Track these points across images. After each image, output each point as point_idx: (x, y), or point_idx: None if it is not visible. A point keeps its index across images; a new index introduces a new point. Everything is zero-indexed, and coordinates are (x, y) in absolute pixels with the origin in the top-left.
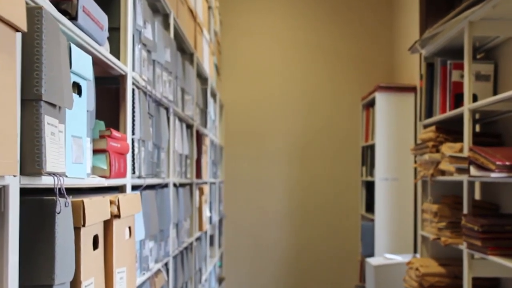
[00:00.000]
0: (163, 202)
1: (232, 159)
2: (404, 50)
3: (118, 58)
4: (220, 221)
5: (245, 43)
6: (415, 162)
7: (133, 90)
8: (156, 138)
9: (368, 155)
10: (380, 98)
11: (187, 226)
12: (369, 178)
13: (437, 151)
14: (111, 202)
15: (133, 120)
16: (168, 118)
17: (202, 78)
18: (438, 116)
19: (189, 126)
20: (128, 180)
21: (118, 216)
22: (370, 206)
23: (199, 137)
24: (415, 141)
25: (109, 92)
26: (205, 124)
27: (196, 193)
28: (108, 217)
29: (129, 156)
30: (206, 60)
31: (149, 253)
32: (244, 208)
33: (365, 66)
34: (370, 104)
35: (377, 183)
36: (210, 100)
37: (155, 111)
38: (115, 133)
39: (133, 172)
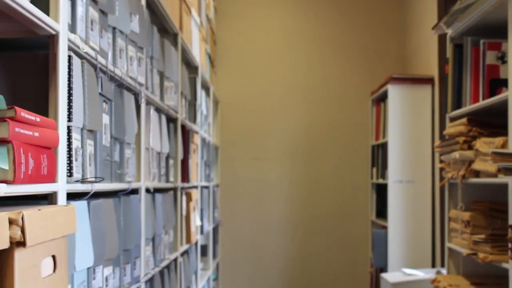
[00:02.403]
0: (128, 213)
1: (229, 160)
2: (418, 38)
3: (48, 12)
4: (215, 229)
5: (243, 33)
6: (440, 161)
7: (69, 58)
8: (117, 129)
9: (379, 155)
10: (393, 91)
11: (169, 239)
12: (380, 181)
13: (469, 147)
14: (11, 222)
15: (70, 100)
16: (139, 106)
17: (190, 66)
18: (469, 107)
19: (172, 120)
20: (60, 186)
21: (22, 243)
22: (381, 211)
23: (186, 134)
24: (433, 139)
25: (36, 61)
26: (194, 119)
27: (183, 199)
28: (6, 245)
29: (61, 152)
30: (196, 45)
31: (104, 283)
32: (243, 214)
33: (374, 57)
34: (381, 98)
35: (390, 186)
36: (201, 92)
37: (116, 95)
38: (25, 114)
39: (70, 175)
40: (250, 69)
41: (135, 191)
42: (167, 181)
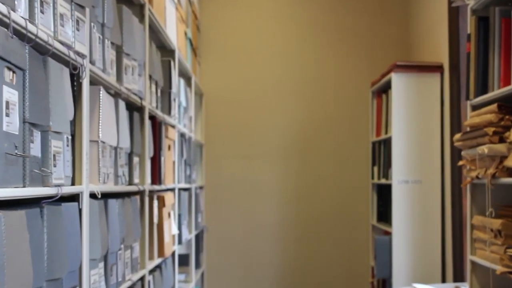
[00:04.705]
0: (57, 228)
1: (215, 159)
2: (425, 22)
3: None
4: (199, 236)
5: (230, 19)
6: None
7: None
8: (35, 111)
9: (381, 152)
10: (398, 80)
11: (133, 255)
12: (383, 181)
13: (501, 140)
14: None
15: None
16: (80, 84)
17: (166, 49)
18: (498, 91)
19: (137, 109)
20: None
21: None
22: (382, 214)
23: (157, 127)
24: (442, 133)
25: None
26: (168, 111)
27: (154, 204)
28: None
29: None
30: (172, 25)
31: None
32: (231, 219)
33: (374, 44)
34: (383, 89)
35: (394, 187)
36: (178, 80)
37: (34, 63)
38: None
39: None
40: (238, 59)
41: (73, 198)
42: (130, 183)
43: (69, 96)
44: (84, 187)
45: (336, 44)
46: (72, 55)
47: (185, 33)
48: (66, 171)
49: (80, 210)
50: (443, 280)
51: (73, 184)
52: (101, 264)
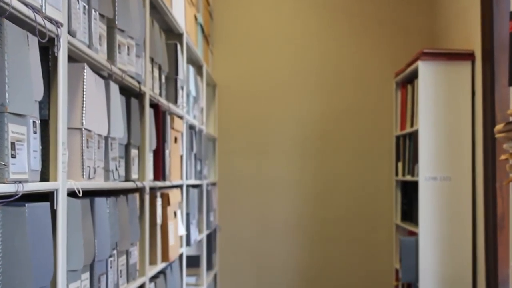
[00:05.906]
0: (17, 235)
1: (229, 154)
2: (454, 7)
3: None
4: (211, 235)
5: (245, 5)
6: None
7: None
8: None
9: (405, 147)
10: (425, 69)
11: (130, 261)
12: (408, 178)
13: None
14: None
15: None
16: (56, 58)
17: (173, 33)
18: None
19: (136, 95)
20: None
21: None
22: (407, 213)
23: (161, 116)
24: (473, 126)
25: None
26: (174, 99)
27: (157, 203)
28: None
29: None
30: (179, 7)
31: None
32: (245, 217)
33: (399, 32)
34: (408, 80)
35: (421, 184)
36: (187, 67)
37: None
38: None
39: None
40: (254, 48)
41: (43, 197)
42: (127, 179)
43: (37, 70)
44: (60, 184)
45: (357, 31)
46: (40, 20)
47: (195, 18)
48: (32, 163)
49: (54, 212)
50: (474, 286)
51: (45, 180)
52: (85, 275)
